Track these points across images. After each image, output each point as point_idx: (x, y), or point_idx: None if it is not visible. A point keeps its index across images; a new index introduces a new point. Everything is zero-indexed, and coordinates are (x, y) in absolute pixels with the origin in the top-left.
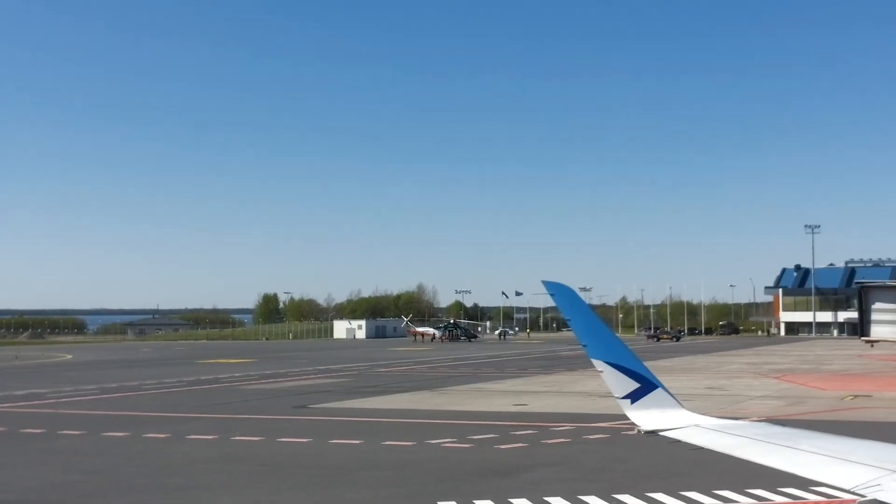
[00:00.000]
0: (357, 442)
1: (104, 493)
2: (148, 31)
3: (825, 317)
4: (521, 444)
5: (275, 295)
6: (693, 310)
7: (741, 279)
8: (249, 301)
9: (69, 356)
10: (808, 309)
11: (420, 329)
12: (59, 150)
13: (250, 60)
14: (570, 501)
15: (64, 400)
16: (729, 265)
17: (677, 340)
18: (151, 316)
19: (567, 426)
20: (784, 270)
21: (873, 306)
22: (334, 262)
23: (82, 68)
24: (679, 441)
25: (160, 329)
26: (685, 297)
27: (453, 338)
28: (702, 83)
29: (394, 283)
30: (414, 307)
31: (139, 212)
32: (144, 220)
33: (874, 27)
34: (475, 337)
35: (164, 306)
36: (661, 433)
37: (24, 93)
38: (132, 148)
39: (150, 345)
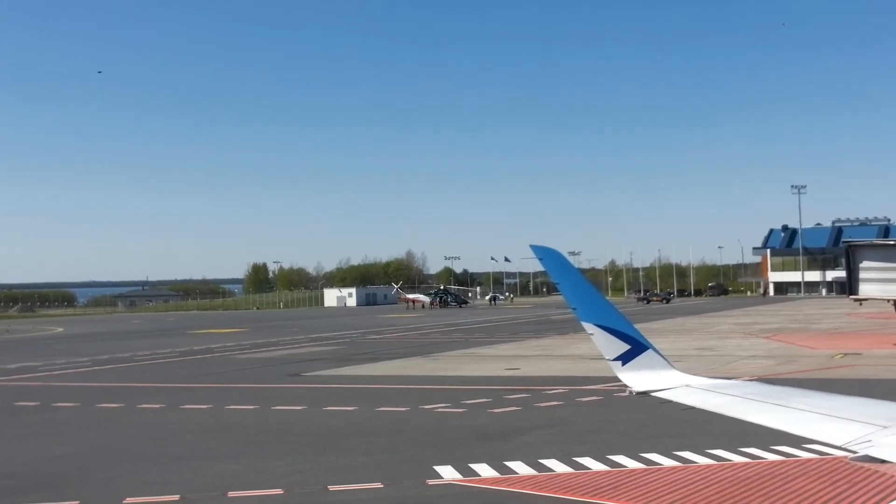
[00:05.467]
0: (351, 408)
1: (101, 465)
2: (136, 2)
3: (813, 276)
4: (514, 408)
5: (264, 264)
6: (682, 272)
7: (729, 240)
8: (239, 271)
9: (60, 329)
10: (796, 269)
11: (411, 296)
12: (46, 123)
13: (237, 28)
14: (564, 463)
15: (57, 373)
16: (717, 226)
17: (667, 302)
18: (141, 288)
19: (559, 389)
20: (771, 231)
21: (861, 265)
22: (323, 231)
23: (71, 40)
24: (670, 401)
25: (150, 301)
26: (674, 260)
27: (444, 304)
28: (687, 45)
29: (383, 251)
30: (403, 274)
31: (127, 183)
32: (132, 191)
33: None
34: (466, 303)
35: (153, 278)
36: (653, 394)
37: (13, 68)
38: (119, 120)
39: (141, 316)
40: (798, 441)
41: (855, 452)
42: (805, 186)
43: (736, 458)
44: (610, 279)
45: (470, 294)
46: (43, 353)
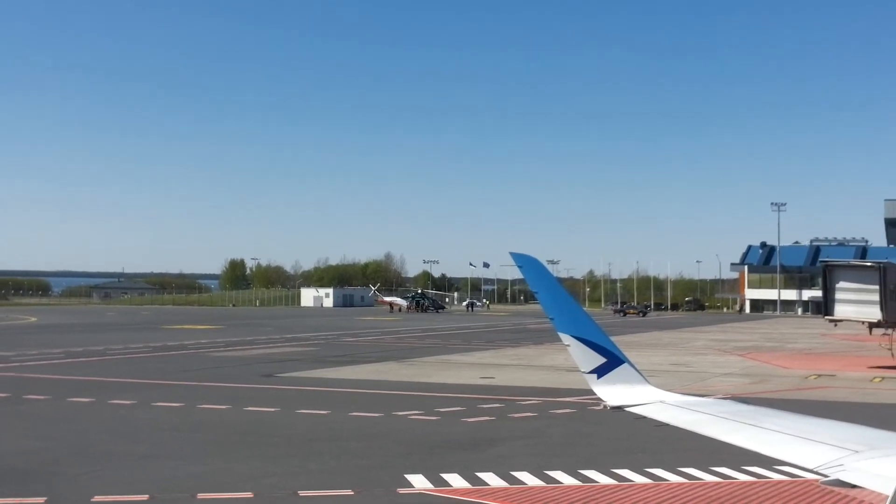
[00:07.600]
0: (324, 412)
1: (69, 460)
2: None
3: (790, 295)
4: (487, 418)
5: (242, 261)
6: (660, 285)
7: (708, 255)
8: (216, 266)
9: (34, 319)
10: (773, 286)
11: (388, 299)
12: (23, 111)
13: (221, 26)
14: (536, 476)
15: (29, 364)
16: (696, 241)
17: (644, 316)
18: (117, 279)
19: (534, 400)
20: (750, 248)
21: (837, 285)
22: (302, 229)
23: (53, 30)
24: (644, 417)
25: (126, 293)
26: (652, 272)
27: (421, 308)
28: (670, 61)
29: (361, 252)
30: (381, 276)
31: (105, 173)
32: (111, 182)
33: (841, 8)
34: (443, 308)
35: (129, 269)
36: (627, 409)
37: None
38: (102, 112)
39: (116, 309)
40: (770, 462)
41: (826, 476)
42: (785, 204)
43: (707, 478)
44: (588, 290)
45: (447, 299)
46: (15, 342)
